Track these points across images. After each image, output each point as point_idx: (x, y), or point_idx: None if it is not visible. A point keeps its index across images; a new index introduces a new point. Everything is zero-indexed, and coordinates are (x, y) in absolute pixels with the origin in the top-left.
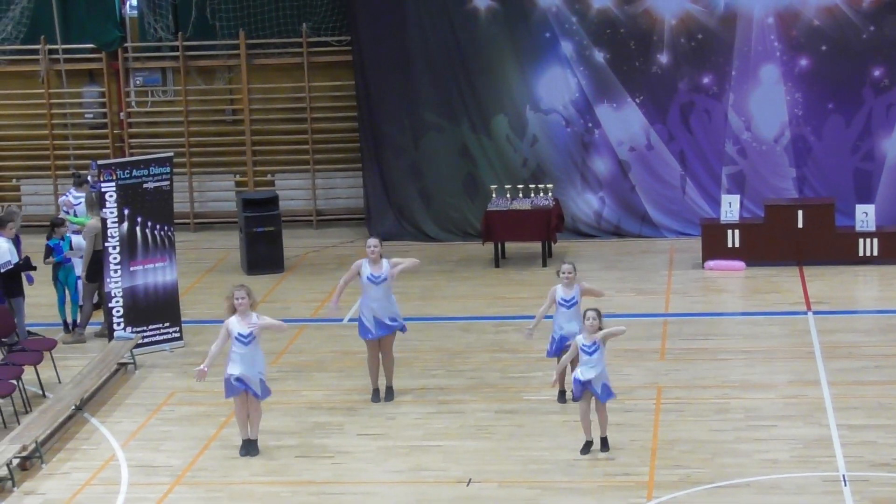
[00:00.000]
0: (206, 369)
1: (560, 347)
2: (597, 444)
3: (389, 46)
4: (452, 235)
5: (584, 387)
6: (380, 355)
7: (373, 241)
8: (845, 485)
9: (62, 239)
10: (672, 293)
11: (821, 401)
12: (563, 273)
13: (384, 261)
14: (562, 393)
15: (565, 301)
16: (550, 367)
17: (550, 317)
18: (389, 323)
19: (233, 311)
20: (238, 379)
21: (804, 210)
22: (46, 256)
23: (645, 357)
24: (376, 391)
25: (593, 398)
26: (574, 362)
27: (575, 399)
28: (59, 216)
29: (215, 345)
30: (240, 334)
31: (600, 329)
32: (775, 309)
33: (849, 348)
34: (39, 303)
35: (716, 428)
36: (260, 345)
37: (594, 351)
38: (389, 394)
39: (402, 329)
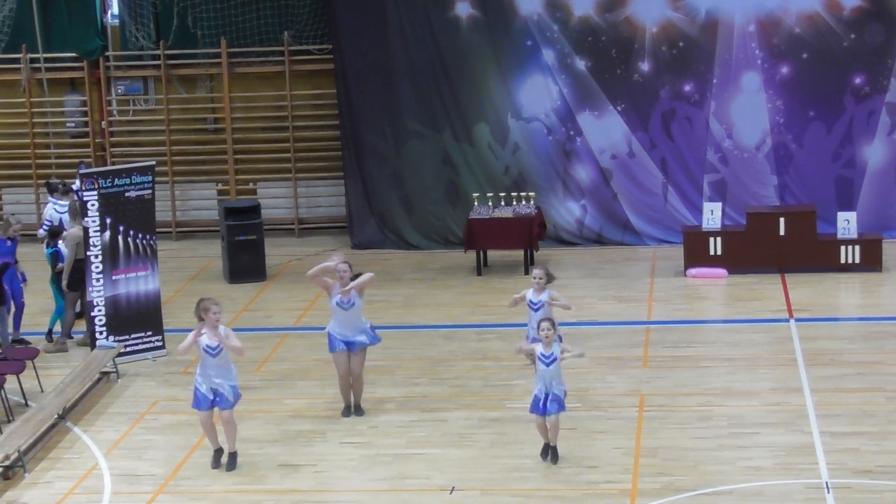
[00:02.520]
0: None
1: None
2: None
3: (371, 55)
4: (434, 243)
5: (542, 405)
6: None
7: (342, 267)
8: (828, 492)
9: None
10: (654, 301)
11: (803, 408)
12: (535, 277)
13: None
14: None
15: (533, 304)
16: (532, 375)
17: (525, 324)
18: (357, 340)
19: (201, 319)
20: (211, 390)
21: (786, 217)
22: (54, 264)
23: (627, 365)
24: (347, 407)
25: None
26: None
27: (531, 411)
28: (44, 227)
29: (185, 342)
30: (208, 346)
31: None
32: (757, 316)
33: (831, 355)
34: (28, 311)
35: (699, 435)
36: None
37: (551, 362)
38: (358, 411)
39: (373, 342)
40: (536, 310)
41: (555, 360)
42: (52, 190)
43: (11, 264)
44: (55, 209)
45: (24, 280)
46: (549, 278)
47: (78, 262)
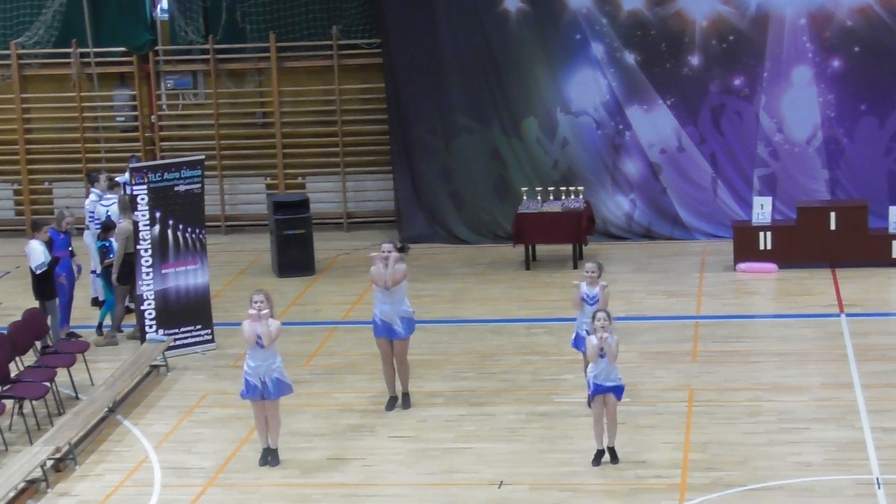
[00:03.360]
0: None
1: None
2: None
3: (419, 49)
4: (483, 238)
5: (598, 390)
6: (394, 362)
7: (386, 247)
8: (879, 487)
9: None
10: (703, 295)
11: (854, 403)
12: (588, 271)
13: (398, 266)
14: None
15: (588, 297)
16: (581, 369)
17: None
18: (395, 328)
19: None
20: (255, 384)
21: (836, 212)
22: (103, 258)
23: (677, 359)
24: (392, 398)
25: (606, 404)
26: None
27: (589, 402)
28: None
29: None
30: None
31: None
32: (807, 311)
33: (882, 350)
34: (75, 304)
35: (748, 430)
36: (276, 347)
37: (594, 302)
38: (406, 400)
39: (402, 336)
40: (592, 303)
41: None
42: (92, 180)
43: (65, 258)
44: (101, 203)
45: (79, 272)
46: (601, 272)
47: (128, 256)
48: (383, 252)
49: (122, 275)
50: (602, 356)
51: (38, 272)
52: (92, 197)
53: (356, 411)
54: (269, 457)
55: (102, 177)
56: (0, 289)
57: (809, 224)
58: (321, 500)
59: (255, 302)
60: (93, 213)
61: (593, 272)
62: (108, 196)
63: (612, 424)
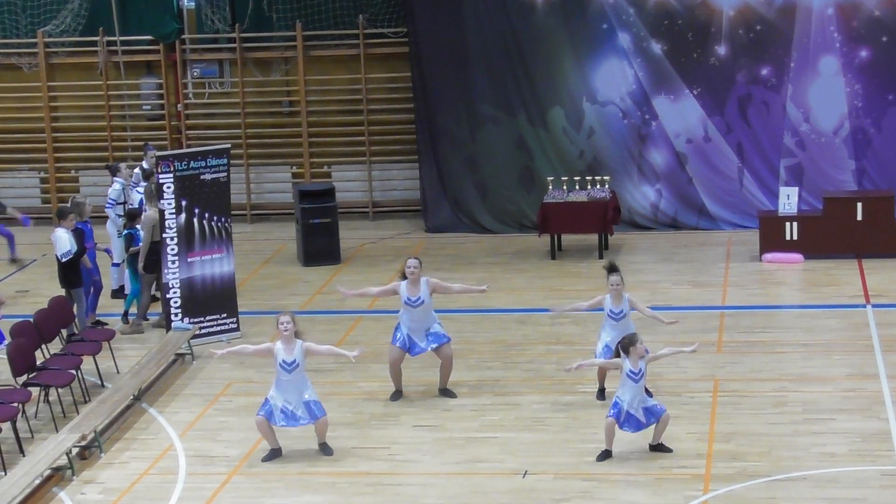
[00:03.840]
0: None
1: (604, 355)
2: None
3: (446, 38)
4: (508, 227)
5: (632, 419)
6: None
7: (413, 262)
8: None
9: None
10: (729, 286)
11: (879, 394)
12: (612, 284)
13: (423, 281)
14: (601, 391)
15: (614, 313)
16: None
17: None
18: (421, 344)
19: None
20: (281, 410)
21: (863, 202)
22: (128, 246)
23: (702, 349)
24: (397, 391)
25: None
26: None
27: (620, 426)
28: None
29: (252, 348)
30: (284, 361)
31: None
32: (834, 302)
33: None
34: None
35: (773, 421)
36: (305, 372)
37: (640, 378)
38: (447, 394)
39: (440, 343)
40: (618, 319)
41: (643, 375)
42: (113, 171)
43: (91, 247)
44: (137, 190)
45: (111, 255)
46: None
47: (154, 245)
48: (409, 268)
49: (148, 263)
50: (637, 380)
51: (64, 260)
52: (116, 186)
53: (380, 400)
54: (277, 456)
55: (123, 165)
56: (26, 277)
57: (836, 214)
58: (346, 489)
59: (282, 324)
60: (113, 202)
61: (618, 284)
62: (143, 183)
63: (660, 428)
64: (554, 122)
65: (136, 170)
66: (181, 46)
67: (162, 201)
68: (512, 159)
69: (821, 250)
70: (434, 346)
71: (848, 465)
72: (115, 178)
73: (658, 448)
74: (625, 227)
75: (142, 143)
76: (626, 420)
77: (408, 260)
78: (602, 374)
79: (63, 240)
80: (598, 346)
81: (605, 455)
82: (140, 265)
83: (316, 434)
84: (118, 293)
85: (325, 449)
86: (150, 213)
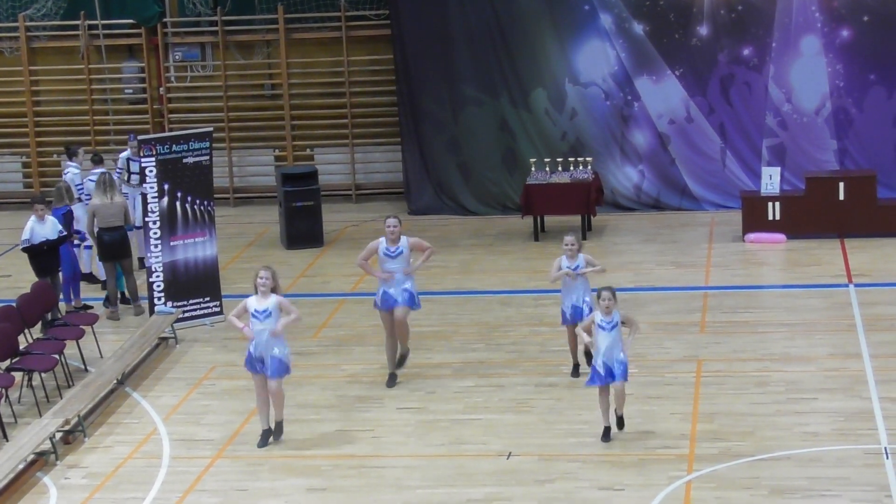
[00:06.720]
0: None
1: (573, 316)
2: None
3: (428, 20)
4: (491, 209)
5: (604, 374)
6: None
7: (392, 221)
8: (887, 457)
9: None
10: (712, 266)
11: (862, 374)
12: (567, 244)
13: (403, 238)
14: (576, 367)
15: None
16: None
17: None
18: (396, 297)
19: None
20: (249, 352)
21: (845, 182)
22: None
23: (685, 330)
24: (391, 376)
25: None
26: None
27: (589, 383)
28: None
29: (236, 320)
30: (256, 310)
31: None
32: (816, 282)
33: (890, 321)
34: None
35: (756, 401)
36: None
37: (612, 328)
38: (401, 361)
39: (411, 306)
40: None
41: (616, 325)
42: (71, 154)
43: (74, 232)
44: (89, 179)
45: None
46: (580, 245)
47: (101, 233)
48: (388, 227)
49: (101, 252)
50: (609, 330)
51: (22, 248)
52: (72, 170)
53: (364, 383)
54: (271, 436)
55: (81, 150)
56: (8, 262)
57: (818, 194)
58: (330, 471)
59: (261, 278)
60: (81, 185)
61: (572, 244)
62: (95, 171)
63: (620, 398)
64: (536, 103)
65: (123, 154)
66: (163, 30)
67: (145, 185)
68: (495, 141)
69: (803, 230)
70: (397, 303)
71: (831, 445)
72: (69, 163)
73: (619, 420)
74: (608, 208)
75: (124, 127)
76: (593, 374)
77: (387, 219)
78: (573, 347)
79: (26, 228)
80: (561, 309)
81: (606, 433)
82: (97, 255)
83: (273, 409)
84: (88, 277)
85: (276, 429)
86: (93, 201)
